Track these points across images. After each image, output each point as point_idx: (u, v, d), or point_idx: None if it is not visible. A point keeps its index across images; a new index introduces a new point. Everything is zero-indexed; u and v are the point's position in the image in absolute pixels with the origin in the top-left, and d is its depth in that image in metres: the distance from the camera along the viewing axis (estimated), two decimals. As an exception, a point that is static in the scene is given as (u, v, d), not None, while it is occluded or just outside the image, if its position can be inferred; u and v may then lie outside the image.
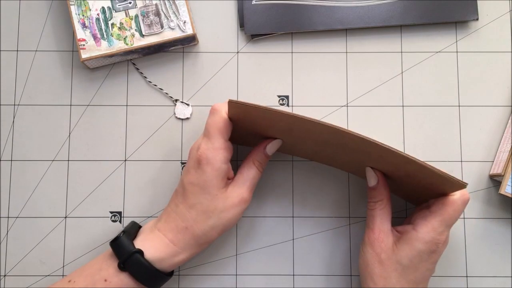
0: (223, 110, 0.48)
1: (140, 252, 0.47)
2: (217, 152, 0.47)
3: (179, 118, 0.56)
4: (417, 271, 0.46)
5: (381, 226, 0.47)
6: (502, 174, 0.52)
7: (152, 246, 0.48)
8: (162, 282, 0.49)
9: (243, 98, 0.56)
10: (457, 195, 0.46)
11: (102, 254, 0.50)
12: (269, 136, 0.50)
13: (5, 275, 0.54)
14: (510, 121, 0.55)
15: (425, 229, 0.45)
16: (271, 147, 0.50)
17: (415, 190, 0.49)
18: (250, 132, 0.50)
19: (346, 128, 0.55)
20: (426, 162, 0.43)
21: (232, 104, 0.45)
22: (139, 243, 0.48)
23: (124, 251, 0.47)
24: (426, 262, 0.46)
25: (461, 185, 0.44)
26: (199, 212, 0.47)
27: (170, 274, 0.50)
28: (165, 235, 0.48)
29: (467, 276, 0.54)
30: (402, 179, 0.48)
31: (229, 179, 0.49)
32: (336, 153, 0.50)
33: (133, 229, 0.50)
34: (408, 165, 0.44)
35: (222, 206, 0.47)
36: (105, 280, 0.47)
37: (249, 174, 0.49)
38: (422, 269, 0.46)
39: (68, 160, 0.56)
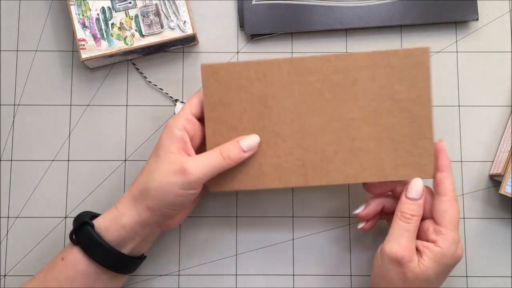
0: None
1: (91, 224, 0.46)
2: (176, 118, 0.47)
3: (179, 118, 0.56)
4: (440, 282, 0.46)
5: (411, 243, 0.45)
6: (502, 174, 0.52)
7: (102, 217, 0.47)
8: (114, 259, 0.46)
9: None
10: (448, 196, 0.45)
11: None
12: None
13: (5, 275, 0.54)
14: (510, 121, 0.55)
15: (447, 243, 0.44)
16: (247, 140, 0.47)
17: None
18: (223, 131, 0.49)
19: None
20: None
21: (205, 68, 0.48)
22: (95, 219, 0.47)
23: (77, 223, 0.46)
24: (448, 272, 0.46)
25: (423, 50, 0.46)
26: (143, 172, 0.47)
27: (135, 258, 0.48)
28: (115, 205, 0.47)
29: (467, 276, 0.54)
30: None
31: (184, 154, 0.47)
32: (318, 124, 0.48)
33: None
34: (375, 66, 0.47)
35: (160, 168, 0.45)
36: (62, 259, 0.46)
37: (209, 155, 0.46)
38: (443, 278, 0.46)
39: (68, 160, 0.56)
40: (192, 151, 0.47)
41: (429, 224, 0.46)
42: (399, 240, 0.45)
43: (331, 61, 0.47)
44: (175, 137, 0.46)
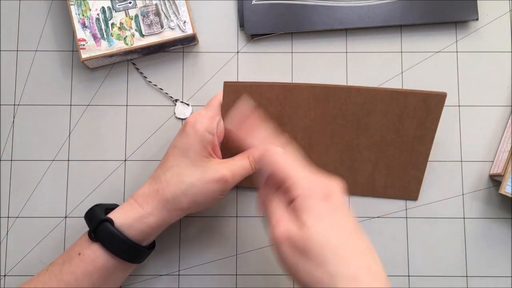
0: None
1: (110, 220, 0.46)
2: (203, 118, 0.47)
3: (179, 118, 0.56)
4: (346, 219, 0.41)
5: (283, 215, 0.42)
6: (502, 174, 0.52)
7: (122, 212, 0.47)
8: (136, 253, 0.47)
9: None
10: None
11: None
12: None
13: (5, 275, 0.54)
14: (510, 121, 0.55)
15: (301, 187, 0.41)
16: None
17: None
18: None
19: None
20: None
21: (227, 87, 0.49)
22: (112, 213, 0.47)
23: (94, 220, 0.46)
24: (342, 205, 0.42)
25: (440, 96, 0.49)
26: (174, 174, 0.46)
27: (149, 247, 0.49)
28: (136, 200, 0.47)
29: (467, 276, 0.54)
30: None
31: (213, 157, 0.48)
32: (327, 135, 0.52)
33: (114, 205, 0.50)
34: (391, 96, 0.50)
35: (199, 175, 0.46)
36: (79, 254, 0.46)
37: (239, 161, 0.47)
38: (346, 212, 0.41)
39: (68, 160, 0.56)
40: (219, 153, 0.49)
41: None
42: (271, 222, 0.41)
43: (351, 92, 0.51)
44: (206, 140, 0.47)
